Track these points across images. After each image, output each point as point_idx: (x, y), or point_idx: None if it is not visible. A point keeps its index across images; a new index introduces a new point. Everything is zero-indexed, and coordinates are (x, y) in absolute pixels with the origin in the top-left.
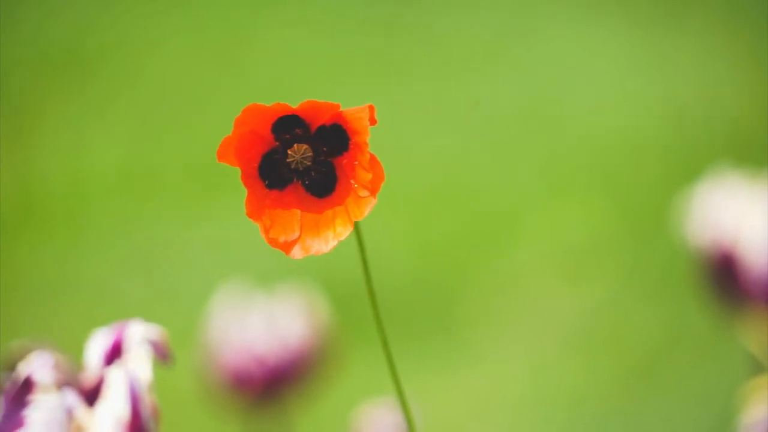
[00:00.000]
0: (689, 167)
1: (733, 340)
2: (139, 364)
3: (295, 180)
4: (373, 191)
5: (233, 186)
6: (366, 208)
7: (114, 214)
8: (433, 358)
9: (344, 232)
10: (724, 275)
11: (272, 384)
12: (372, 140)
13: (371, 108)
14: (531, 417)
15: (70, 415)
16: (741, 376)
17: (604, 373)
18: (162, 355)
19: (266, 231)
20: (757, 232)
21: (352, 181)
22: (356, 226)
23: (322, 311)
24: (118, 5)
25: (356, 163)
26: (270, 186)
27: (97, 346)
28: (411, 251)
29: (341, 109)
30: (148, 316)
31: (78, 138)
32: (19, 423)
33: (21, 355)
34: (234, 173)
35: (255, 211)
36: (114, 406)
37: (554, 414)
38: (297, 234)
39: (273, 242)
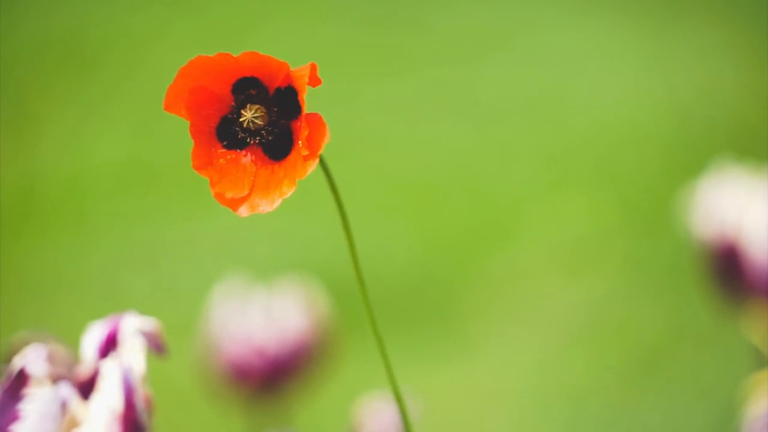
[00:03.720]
0: (692, 161)
1: (737, 333)
2: (133, 357)
3: (249, 142)
4: (313, 150)
5: None
6: (308, 168)
7: (115, 207)
8: (436, 352)
9: (288, 191)
10: (727, 268)
11: (272, 376)
12: (375, 132)
13: (313, 66)
14: (535, 410)
15: (64, 407)
16: (744, 368)
17: (608, 366)
18: (157, 347)
19: (213, 185)
20: (759, 226)
21: (300, 142)
22: (342, 214)
23: (322, 304)
24: None
25: (301, 124)
26: (228, 147)
27: (91, 338)
28: (413, 245)
29: (290, 69)
30: (149, 309)
31: (79, 131)
32: (14, 416)
33: (18, 348)
34: None
35: (203, 164)
36: (108, 399)
37: (558, 407)
38: (246, 192)
39: (220, 197)
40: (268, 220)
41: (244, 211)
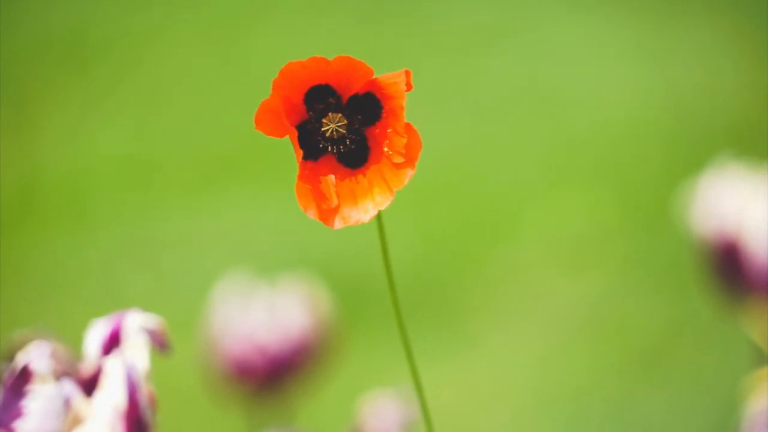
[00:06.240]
0: (692, 158)
1: (737, 330)
2: (136, 354)
3: (329, 150)
4: (410, 159)
5: (235, 176)
6: (405, 177)
7: (115, 204)
8: (437, 348)
9: (384, 201)
10: (727, 265)
11: (274, 374)
12: None
13: (407, 73)
14: (535, 406)
15: (67, 404)
16: (745, 365)
17: (608, 362)
18: (160, 344)
19: (307, 198)
20: (759, 223)
21: (386, 149)
22: (378, 215)
23: (324, 301)
24: None
25: (389, 130)
26: (305, 157)
27: (95, 335)
28: (415, 242)
29: (375, 76)
30: (151, 307)
31: (80, 128)
32: (18, 413)
33: (21, 346)
34: (236, 163)
35: (305, 176)
36: (111, 396)
37: (558, 403)
38: (335, 203)
39: (318, 207)
40: (270, 218)
41: (337, 223)
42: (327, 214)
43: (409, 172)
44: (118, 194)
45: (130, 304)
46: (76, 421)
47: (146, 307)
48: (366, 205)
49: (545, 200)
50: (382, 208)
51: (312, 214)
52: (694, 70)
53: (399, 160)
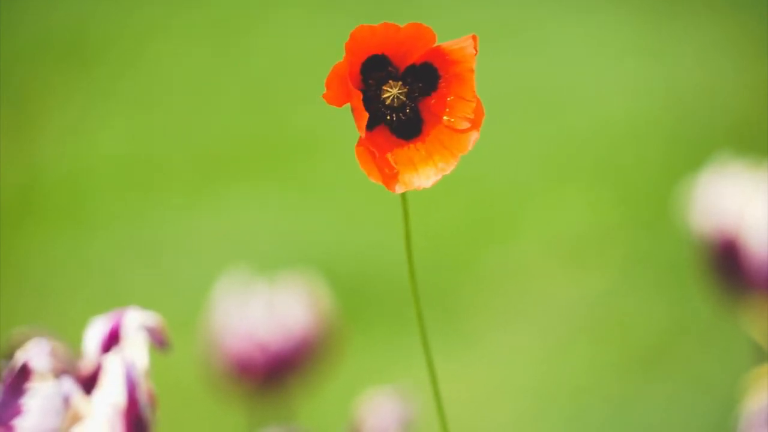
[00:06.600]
0: (692, 156)
1: (737, 328)
2: (136, 351)
3: (386, 118)
4: (476, 124)
5: (235, 176)
6: (468, 141)
7: (116, 202)
8: (436, 347)
9: (448, 166)
10: (727, 263)
11: (274, 371)
12: None
13: (474, 37)
14: (535, 406)
15: (67, 402)
16: (744, 363)
17: (608, 361)
18: (159, 341)
19: (369, 163)
20: (759, 220)
21: (446, 117)
22: (403, 199)
23: (324, 298)
24: None
25: (449, 98)
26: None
27: (94, 333)
28: (414, 241)
29: (437, 44)
30: (151, 304)
31: (79, 127)
32: (17, 411)
33: (20, 343)
34: (236, 163)
35: (365, 142)
36: (110, 394)
37: (558, 403)
38: (396, 170)
39: (380, 171)
40: (271, 215)
41: (398, 188)
42: (389, 179)
43: (474, 136)
44: (118, 194)
45: (130, 302)
46: (76, 418)
47: (146, 305)
48: (427, 171)
49: (545, 200)
50: (446, 173)
51: (375, 178)
52: (694, 70)
53: (464, 125)
